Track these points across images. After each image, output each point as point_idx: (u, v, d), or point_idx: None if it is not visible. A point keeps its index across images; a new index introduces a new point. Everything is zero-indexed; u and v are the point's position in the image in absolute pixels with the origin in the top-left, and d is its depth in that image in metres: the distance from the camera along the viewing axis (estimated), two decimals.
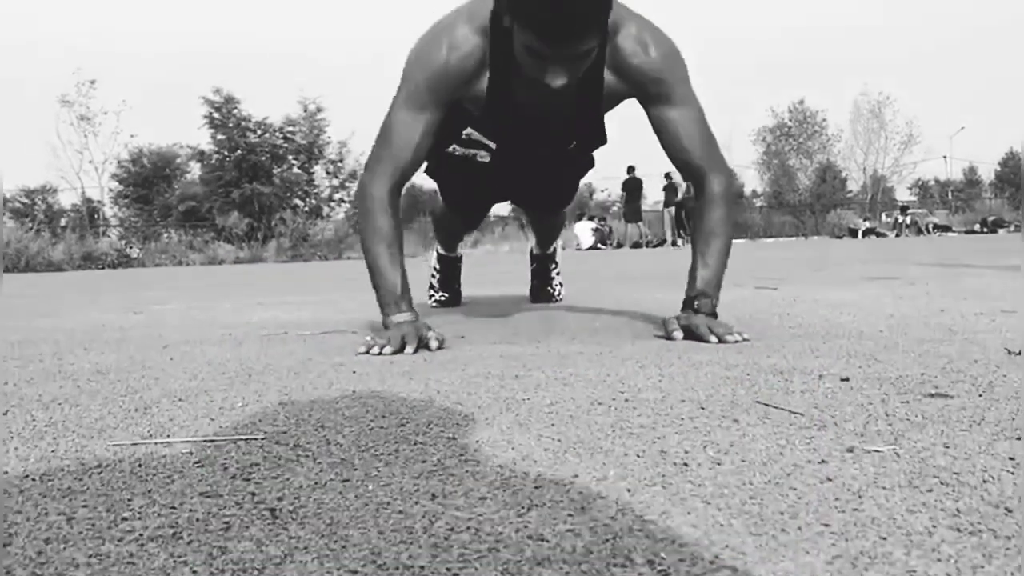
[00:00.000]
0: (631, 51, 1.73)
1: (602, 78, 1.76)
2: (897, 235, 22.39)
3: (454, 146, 2.06)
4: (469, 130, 2.02)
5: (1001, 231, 21.98)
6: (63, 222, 26.39)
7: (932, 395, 1.01)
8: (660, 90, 1.76)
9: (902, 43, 53.35)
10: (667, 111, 1.78)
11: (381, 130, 1.79)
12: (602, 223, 20.72)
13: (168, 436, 0.91)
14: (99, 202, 27.68)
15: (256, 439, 0.89)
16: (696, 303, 1.75)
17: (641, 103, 1.83)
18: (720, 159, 1.84)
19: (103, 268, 15.44)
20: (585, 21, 1.47)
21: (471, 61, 1.71)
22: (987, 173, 43.79)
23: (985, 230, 22.32)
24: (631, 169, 18.38)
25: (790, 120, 31.80)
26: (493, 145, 2.04)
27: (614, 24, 1.68)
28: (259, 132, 21.42)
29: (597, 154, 2.25)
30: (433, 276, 2.97)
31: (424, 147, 1.78)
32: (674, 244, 18.42)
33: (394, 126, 1.76)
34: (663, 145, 1.84)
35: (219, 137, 21.19)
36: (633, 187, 18.79)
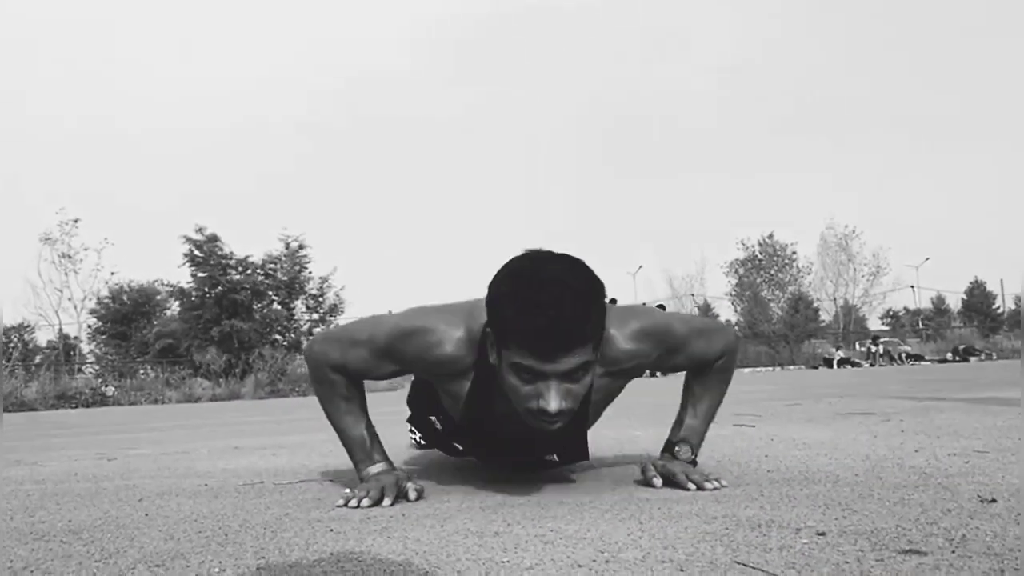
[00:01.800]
0: (624, 355, 1.66)
1: (590, 392, 1.58)
2: (871, 364, 22.62)
3: (433, 419, 2.03)
4: (432, 418, 2.02)
5: (972, 359, 22.29)
6: (38, 359, 26.06)
7: (906, 551, 1.02)
8: (659, 362, 1.76)
9: (862, 178, 55.92)
10: (671, 362, 1.78)
11: (346, 340, 1.74)
12: None
13: None
14: (76, 339, 27.48)
15: None
16: (676, 448, 1.77)
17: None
18: (720, 339, 1.82)
19: (77, 407, 15.13)
20: (580, 331, 1.40)
21: (456, 367, 1.65)
22: (954, 302, 44.94)
23: (957, 359, 22.63)
24: (613, 301, 18.75)
25: (760, 253, 32.74)
26: (459, 448, 2.01)
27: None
28: (240, 270, 21.64)
29: None
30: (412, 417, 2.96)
31: (374, 378, 1.78)
32: (652, 374, 18.51)
33: (357, 355, 1.71)
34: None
35: (200, 275, 21.35)
36: None
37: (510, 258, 1.52)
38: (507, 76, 62.22)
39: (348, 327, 1.83)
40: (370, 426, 1.76)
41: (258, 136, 56.72)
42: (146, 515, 1.60)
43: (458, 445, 2.01)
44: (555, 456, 1.86)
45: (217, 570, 1.08)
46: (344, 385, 1.74)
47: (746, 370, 22.42)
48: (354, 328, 1.79)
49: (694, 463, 1.76)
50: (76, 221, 25.33)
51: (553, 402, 1.42)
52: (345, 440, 1.76)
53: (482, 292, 1.56)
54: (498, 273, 1.50)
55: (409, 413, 2.88)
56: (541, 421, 1.47)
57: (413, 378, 2.10)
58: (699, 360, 1.80)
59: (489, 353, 1.53)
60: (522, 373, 1.44)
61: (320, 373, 1.75)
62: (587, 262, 1.51)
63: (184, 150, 53.30)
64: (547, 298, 1.37)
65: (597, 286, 1.46)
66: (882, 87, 56.23)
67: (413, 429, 2.93)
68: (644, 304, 18.97)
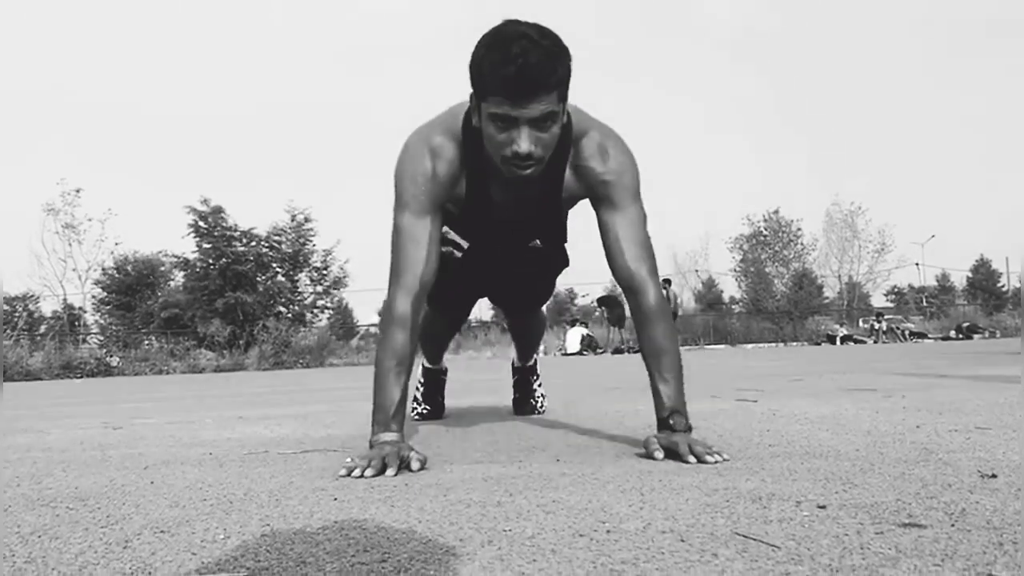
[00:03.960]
0: (590, 155, 1.88)
1: (563, 177, 1.90)
2: (875, 341, 22.62)
3: (445, 248, 2.19)
4: (445, 228, 2.14)
5: (976, 336, 22.27)
6: (43, 329, 26.17)
7: (906, 525, 1.03)
8: (609, 194, 1.89)
9: (872, 153, 55.58)
10: (611, 215, 1.89)
11: (392, 247, 1.87)
12: (584, 326, 21.17)
13: (150, 573, 0.91)
14: (80, 309, 27.58)
15: None
16: (671, 421, 1.78)
17: (592, 205, 1.95)
18: (654, 271, 1.90)
19: (82, 377, 15.22)
20: (544, 76, 1.59)
21: (453, 167, 1.86)
22: (959, 279, 44.83)
23: (960, 336, 22.61)
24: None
25: (765, 229, 32.62)
26: (465, 244, 2.22)
27: (579, 130, 1.87)
28: (245, 241, 21.63)
29: (578, 258, 2.43)
30: (417, 389, 2.98)
31: (435, 251, 1.87)
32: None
33: (403, 239, 1.85)
34: (604, 248, 1.93)
35: (204, 246, 21.35)
36: (613, 302, 19.75)
37: None
38: None
39: (392, 247, 1.90)
40: (404, 397, 1.79)
41: (263, 111, 56.42)
42: (151, 483, 1.61)
43: (459, 242, 2.25)
44: (538, 242, 2.23)
45: (222, 537, 1.09)
46: (402, 344, 1.79)
47: (749, 346, 22.43)
48: (392, 240, 1.88)
49: (690, 428, 1.78)
50: (78, 191, 25.33)
51: (524, 143, 1.63)
52: (377, 397, 1.78)
53: None
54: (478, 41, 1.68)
55: (413, 397, 2.92)
56: (515, 166, 1.68)
57: None
58: (627, 252, 1.87)
59: (472, 117, 1.74)
60: (497, 122, 1.64)
61: (387, 320, 1.83)
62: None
63: (190, 122, 53.02)
64: (517, 49, 1.57)
65: (562, 45, 1.65)
66: (887, 67, 55.64)
67: (416, 402, 2.95)
68: None
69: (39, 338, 20.31)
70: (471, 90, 1.72)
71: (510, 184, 1.86)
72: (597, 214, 1.93)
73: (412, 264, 1.84)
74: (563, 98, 1.68)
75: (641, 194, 1.93)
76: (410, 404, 2.93)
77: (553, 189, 1.93)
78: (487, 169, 1.86)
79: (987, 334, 23.10)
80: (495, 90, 1.61)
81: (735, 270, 33.45)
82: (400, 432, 1.76)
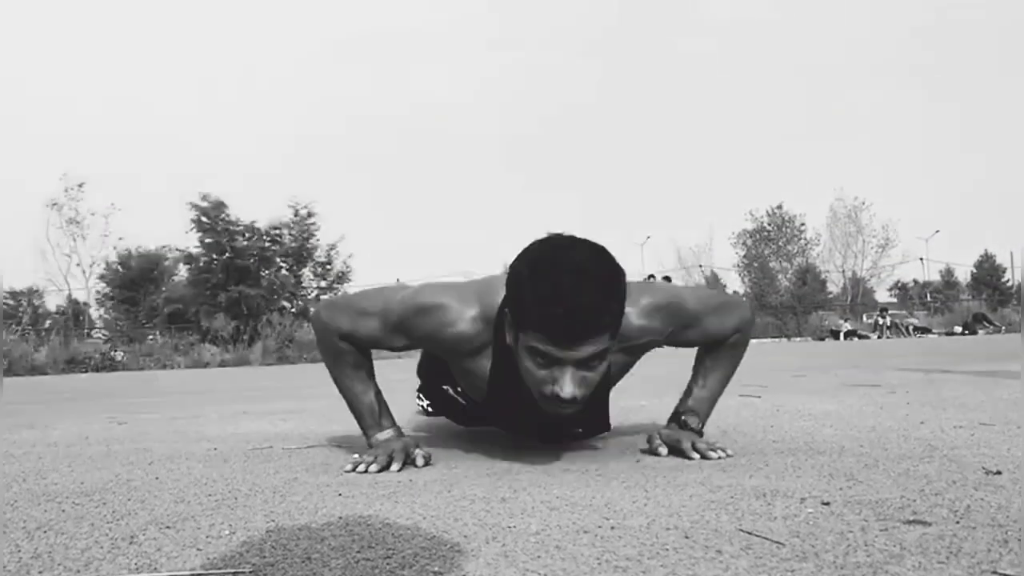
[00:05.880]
0: (637, 331, 1.64)
1: (608, 367, 1.55)
2: (879, 337, 22.59)
3: (447, 388, 2.03)
4: (444, 386, 2.01)
5: (981, 332, 22.21)
6: (47, 324, 26.26)
7: (910, 521, 1.03)
8: (672, 338, 1.74)
9: (877, 150, 55.39)
10: (683, 337, 1.76)
11: (356, 310, 1.73)
12: None
13: (155, 569, 0.92)
14: (85, 304, 27.67)
15: (244, 573, 0.89)
16: (683, 417, 1.78)
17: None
18: (735, 315, 1.81)
19: (87, 371, 15.26)
20: (597, 319, 1.39)
21: (473, 344, 1.64)
22: (963, 275, 44.73)
23: (965, 332, 22.55)
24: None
25: (769, 224, 32.57)
26: (464, 403, 1.97)
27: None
28: (247, 236, 21.65)
29: None
30: (420, 387, 2.97)
31: (383, 349, 1.74)
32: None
33: (367, 327, 1.70)
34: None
35: (207, 241, 21.38)
36: None
37: (532, 241, 1.50)
38: (527, 43, 61.65)
39: (358, 297, 1.83)
40: (379, 393, 1.77)
41: (265, 103, 56.49)
42: (156, 478, 1.62)
43: (477, 417, 1.98)
44: (579, 429, 1.86)
45: (227, 532, 1.10)
46: (352, 353, 1.74)
47: (752, 341, 22.38)
48: (365, 298, 1.78)
49: (700, 433, 1.77)
50: (81, 185, 25.36)
51: (567, 388, 1.41)
52: (354, 407, 1.77)
53: (492, 263, 1.55)
54: (519, 256, 1.48)
55: (418, 384, 2.89)
56: (554, 405, 1.45)
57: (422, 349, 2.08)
58: (712, 336, 1.79)
59: (506, 333, 1.52)
60: (537, 357, 1.42)
61: (328, 340, 1.75)
62: (608, 249, 1.48)
63: (191, 114, 53.11)
64: (567, 286, 1.36)
65: (617, 274, 1.44)
66: (894, 55, 55.51)
67: (421, 396, 2.95)
68: (652, 276, 19.05)
69: (44, 333, 20.37)
70: (508, 305, 1.49)
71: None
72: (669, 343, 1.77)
73: (360, 336, 1.71)
74: (615, 336, 1.46)
75: (691, 302, 1.75)
76: (415, 398, 2.93)
77: (599, 387, 1.60)
78: (516, 371, 1.55)
79: (991, 329, 23.04)
80: (538, 327, 1.39)
81: (739, 265, 33.41)
82: (395, 427, 1.75)
